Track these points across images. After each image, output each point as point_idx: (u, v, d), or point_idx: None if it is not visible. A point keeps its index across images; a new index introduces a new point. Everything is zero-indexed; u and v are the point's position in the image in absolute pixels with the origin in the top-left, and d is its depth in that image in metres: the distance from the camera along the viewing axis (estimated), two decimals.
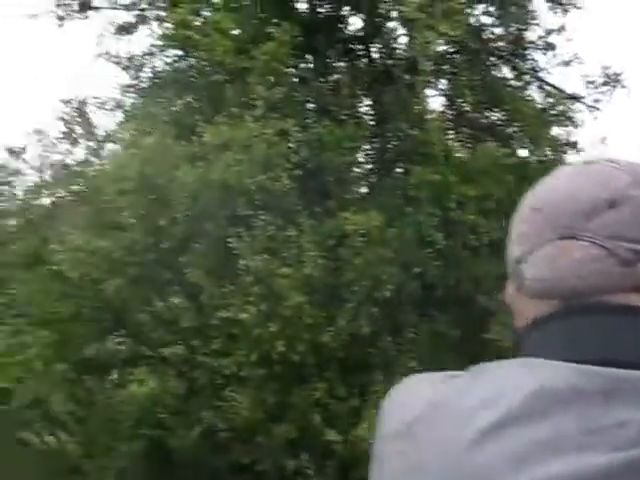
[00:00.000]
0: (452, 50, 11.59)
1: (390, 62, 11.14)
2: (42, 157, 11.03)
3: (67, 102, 10.23)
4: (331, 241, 9.09)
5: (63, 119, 10.16)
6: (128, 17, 11.79)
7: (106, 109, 10.98)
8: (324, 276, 8.75)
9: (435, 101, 11.54)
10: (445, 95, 11.62)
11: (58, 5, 11.75)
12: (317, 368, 8.89)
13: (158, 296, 8.96)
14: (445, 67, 11.58)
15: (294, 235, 8.70)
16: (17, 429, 10.69)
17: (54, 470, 10.59)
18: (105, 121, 11.20)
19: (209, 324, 8.78)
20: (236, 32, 10.06)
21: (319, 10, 11.31)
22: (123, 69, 11.17)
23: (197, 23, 10.19)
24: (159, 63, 11.10)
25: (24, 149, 13.68)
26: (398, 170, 10.74)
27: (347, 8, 11.41)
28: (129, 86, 11.18)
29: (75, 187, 10.55)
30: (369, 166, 11.08)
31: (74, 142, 10.33)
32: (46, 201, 12.48)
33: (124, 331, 9.84)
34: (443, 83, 11.76)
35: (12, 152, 14.46)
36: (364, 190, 10.70)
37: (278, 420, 8.95)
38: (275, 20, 10.49)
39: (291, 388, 8.92)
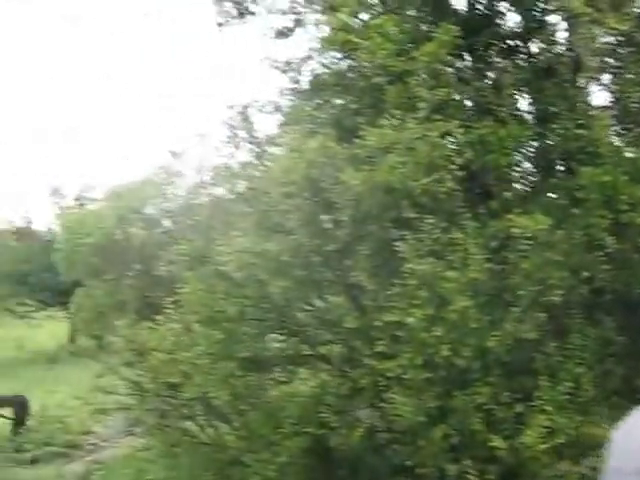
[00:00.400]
0: (616, 43, 11.10)
1: (551, 57, 10.82)
2: (203, 159, 11.45)
3: (231, 107, 10.57)
4: (495, 243, 8.95)
5: (228, 123, 10.49)
6: (285, 21, 12.06)
7: (266, 112, 11.27)
8: (489, 280, 8.62)
9: (599, 97, 11.09)
10: (610, 91, 11.16)
11: (219, 12, 12.17)
12: (481, 373, 8.77)
13: (321, 298, 9.10)
14: (609, 61, 11.11)
15: (459, 238, 8.61)
16: (183, 420, 11.16)
17: (215, 460, 10.98)
18: (265, 124, 11.48)
19: (372, 326, 8.84)
20: (396, 33, 10.04)
21: (477, 7, 11.13)
22: (282, 72, 11.42)
23: (356, 26, 10.27)
24: (317, 66, 11.26)
25: (186, 151, 14.29)
26: (561, 169, 10.43)
27: (505, 4, 11.17)
28: (288, 89, 11.41)
29: (237, 189, 10.85)
30: (531, 166, 10.81)
31: (237, 145, 10.64)
32: (206, 201, 12.98)
33: (286, 330, 10.06)
34: (607, 78, 11.29)
35: (174, 154, 15.14)
36: (526, 190, 10.45)
37: (440, 424, 8.90)
38: (434, 19, 10.43)
39: (454, 392, 8.84)
